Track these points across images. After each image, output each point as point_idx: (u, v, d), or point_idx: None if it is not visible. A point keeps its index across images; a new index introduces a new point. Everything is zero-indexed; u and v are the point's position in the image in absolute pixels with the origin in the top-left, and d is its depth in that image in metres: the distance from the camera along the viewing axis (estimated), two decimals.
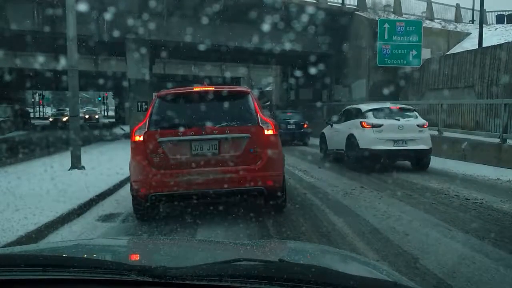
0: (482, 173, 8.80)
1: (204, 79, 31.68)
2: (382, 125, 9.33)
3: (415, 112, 10.08)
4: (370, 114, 9.71)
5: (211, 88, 5.69)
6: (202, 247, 1.96)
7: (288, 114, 17.86)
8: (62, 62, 15.71)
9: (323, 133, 11.91)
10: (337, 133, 10.67)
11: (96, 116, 51.54)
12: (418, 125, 9.50)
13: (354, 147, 9.51)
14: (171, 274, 1.16)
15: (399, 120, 9.52)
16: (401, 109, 10.18)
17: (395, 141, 9.22)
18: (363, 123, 9.50)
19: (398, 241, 4.50)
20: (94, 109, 64.42)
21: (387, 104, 10.56)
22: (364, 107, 10.42)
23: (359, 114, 10.02)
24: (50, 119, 41.92)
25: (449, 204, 6.24)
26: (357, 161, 9.49)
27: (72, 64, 9.39)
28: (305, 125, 17.00)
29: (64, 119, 38.84)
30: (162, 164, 5.19)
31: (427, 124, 9.80)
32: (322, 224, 5.31)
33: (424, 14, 22.93)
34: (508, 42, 14.80)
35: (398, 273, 1.68)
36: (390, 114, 9.75)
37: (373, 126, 9.35)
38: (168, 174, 5.17)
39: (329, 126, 11.45)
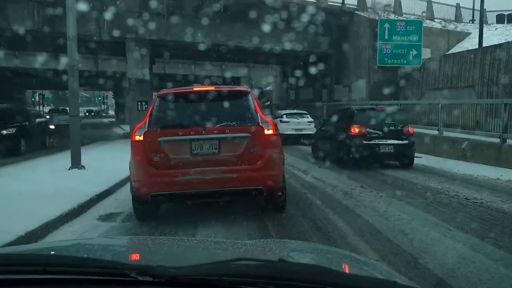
0: (482, 173, 8.81)
1: (204, 79, 31.79)
2: (289, 121, 17.07)
3: (308, 115, 17.78)
4: (284, 115, 17.47)
5: (211, 88, 5.69)
6: (202, 247, 1.96)
7: None
8: (62, 62, 15.71)
9: None
10: None
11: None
12: (308, 122, 17.23)
13: None
14: (171, 274, 1.16)
15: (298, 119, 17.37)
16: (300, 113, 17.97)
17: (296, 129, 16.95)
18: (280, 120, 16.65)
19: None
20: (93, 109, 44.56)
21: (294, 111, 18.72)
22: (281, 112, 18.37)
23: (279, 115, 17.52)
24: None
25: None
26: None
27: (72, 63, 9.38)
28: None
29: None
30: (162, 164, 5.17)
31: (313, 121, 17.44)
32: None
33: (424, 14, 22.93)
34: (508, 42, 14.80)
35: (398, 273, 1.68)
36: (294, 115, 17.61)
37: (285, 122, 16.93)
38: (168, 173, 5.15)
39: None
